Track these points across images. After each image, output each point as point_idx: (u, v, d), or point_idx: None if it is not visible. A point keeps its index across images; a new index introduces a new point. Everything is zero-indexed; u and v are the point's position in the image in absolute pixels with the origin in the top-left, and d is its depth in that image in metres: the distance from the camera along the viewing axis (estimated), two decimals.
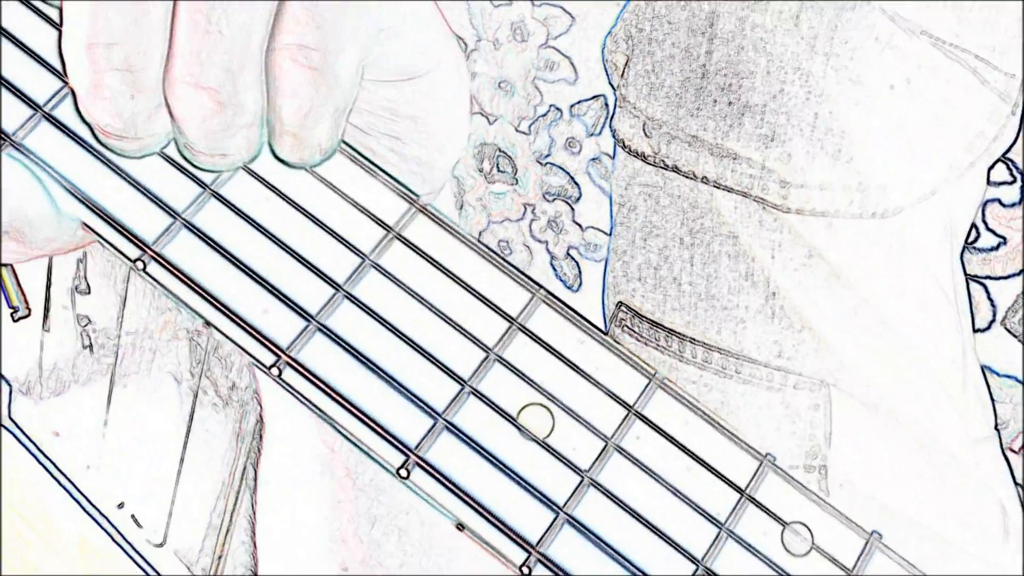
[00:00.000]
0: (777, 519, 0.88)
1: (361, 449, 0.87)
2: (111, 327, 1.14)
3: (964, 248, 1.14)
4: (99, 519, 1.13)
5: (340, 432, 0.87)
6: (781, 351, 1.05)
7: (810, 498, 0.89)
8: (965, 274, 1.14)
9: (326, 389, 0.87)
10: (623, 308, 1.08)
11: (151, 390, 1.12)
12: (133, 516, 1.13)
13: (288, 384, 0.87)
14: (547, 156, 1.15)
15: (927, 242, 1.06)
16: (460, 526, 0.85)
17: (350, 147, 0.89)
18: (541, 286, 0.89)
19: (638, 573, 0.85)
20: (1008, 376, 1.17)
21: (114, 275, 1.15)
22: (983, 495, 1.09)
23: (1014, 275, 1.17)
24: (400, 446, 0.85)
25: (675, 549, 0.86)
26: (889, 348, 1.06)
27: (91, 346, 1.14)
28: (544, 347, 0.88)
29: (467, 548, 0.93)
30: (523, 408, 0.87)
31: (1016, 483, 1.12)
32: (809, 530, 0.88)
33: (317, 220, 0.89)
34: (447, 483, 0.85)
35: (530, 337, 0.88)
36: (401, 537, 1.07)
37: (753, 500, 0.87)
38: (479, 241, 0.89)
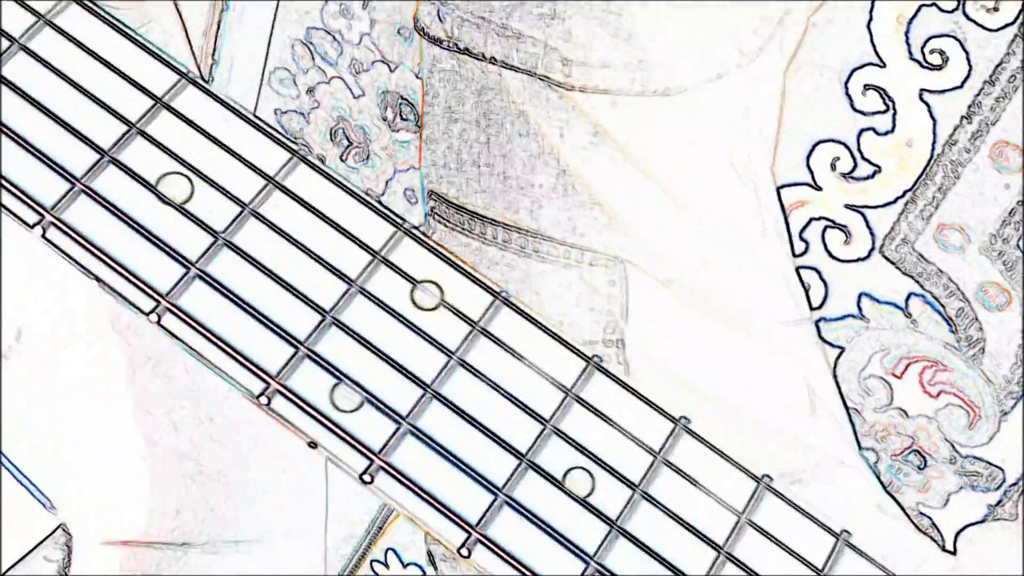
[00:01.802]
0: (408, 278, 0.93)
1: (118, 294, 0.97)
2: None
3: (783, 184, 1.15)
4: None
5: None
6: (575, 228, 1.09)
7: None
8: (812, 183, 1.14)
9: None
10: (433, 196, 1.15)
11: None
12: None
13: None
14: None
15: (720, 125, 1.08)
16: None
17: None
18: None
19: (268, 321, 0.92)
20: (888, 303, 1.15)
21: None
22: (790, 373, 1.08)
23: (890, 203, 1.16)
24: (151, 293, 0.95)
25: (304, 302, 0.93)
26: (681, 225, 1.08)
27: None
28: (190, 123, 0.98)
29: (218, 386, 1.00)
30: None
31: (834, 372, 1.10)
32: (439, 287, 0.93)
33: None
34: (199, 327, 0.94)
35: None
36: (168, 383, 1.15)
37: (387, 262, 0.93)
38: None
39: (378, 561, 1.17)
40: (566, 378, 0.92)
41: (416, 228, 0.95)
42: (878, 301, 1.13)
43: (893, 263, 1.14)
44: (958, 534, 1.08)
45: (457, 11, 1.12)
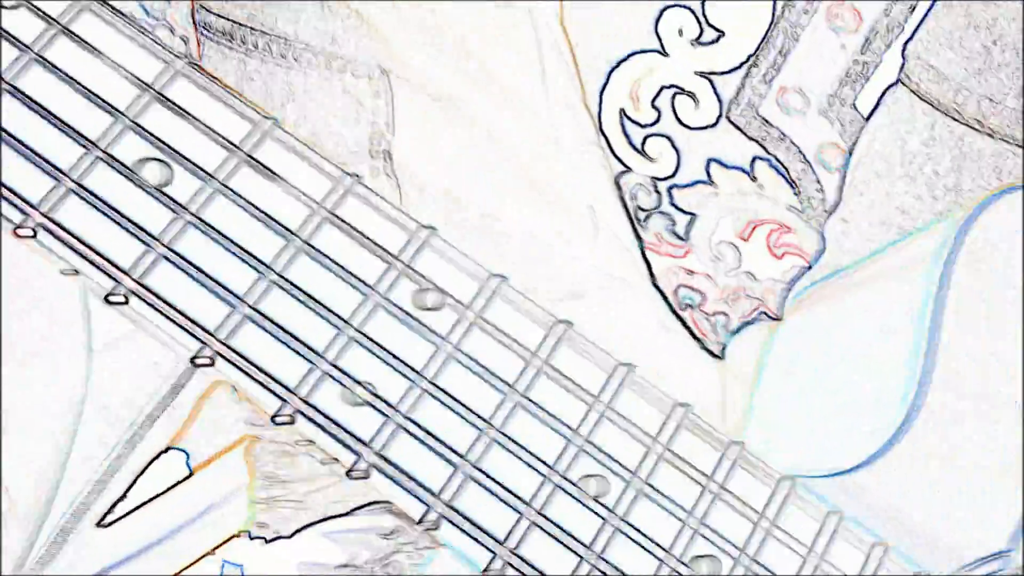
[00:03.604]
0: None
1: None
2: None
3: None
4: None
5: None
6: (334, 37, 1.08)
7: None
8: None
9: None
10: (201, 9, 1.12)
11: None
12: None
13: None
14: None
15: None
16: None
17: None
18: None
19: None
20: (735, 167, 1.17)
21: None
22: (573, 196, 1.10)
23: (735, 69, 1.18)
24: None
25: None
26: (445, 42, 1.08)
27: None
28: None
29: None
30: None
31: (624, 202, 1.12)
32: None
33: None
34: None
35: None
36: None
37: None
38: None
39: None
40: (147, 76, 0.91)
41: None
42: (726, 166, 1.15)
43: (739, 128, 1.16)
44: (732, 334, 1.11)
45: None
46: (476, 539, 0.86)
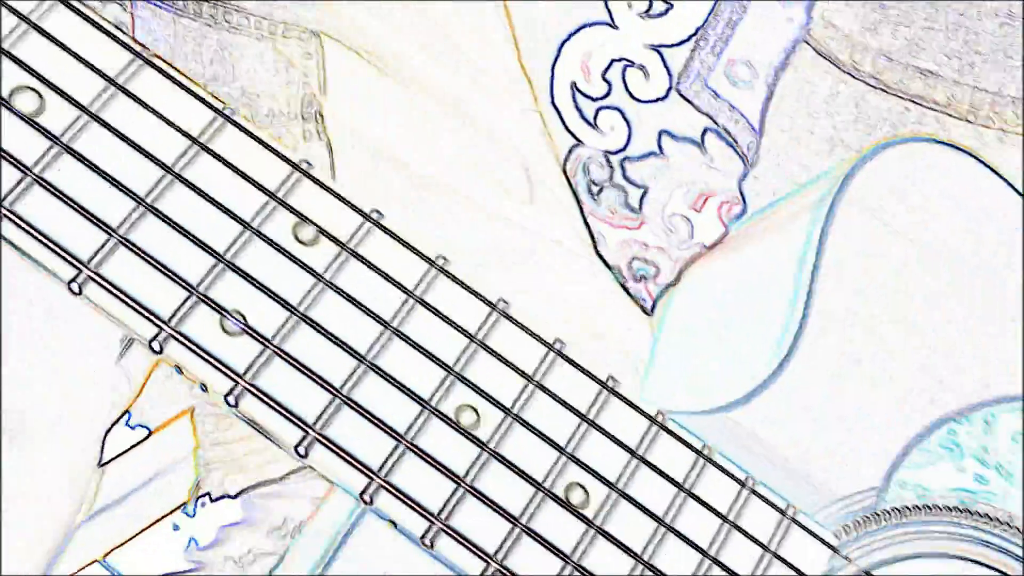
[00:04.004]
0: None
1: None
2: None
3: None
4: None
5: None
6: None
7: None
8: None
9: None
10: None
11: None
12: None
13: None
14: None
15: None
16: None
17: None
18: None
19: None
20: (686, 139, 1.18)
21: None
22: (508, 158, 1.11)
23: (684, 41, 1.19)
24: None
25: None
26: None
27: None
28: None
29: None
30: None
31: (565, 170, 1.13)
32: None
33: None
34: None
35: None
36: None
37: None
38: None
39: None
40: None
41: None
42: (677, 138, 1.16)
43: (689, 100, 1.17)
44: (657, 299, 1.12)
45: None
46: (352, 464, 0.87)
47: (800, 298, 1.02)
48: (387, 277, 0.90)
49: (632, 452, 0.89)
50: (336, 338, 0.89)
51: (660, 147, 1.16)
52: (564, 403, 0.89)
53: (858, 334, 1.01)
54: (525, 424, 0.88)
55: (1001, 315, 1.03)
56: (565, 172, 1.14)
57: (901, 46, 1.15)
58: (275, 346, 0.87)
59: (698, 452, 0.91)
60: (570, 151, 1.15)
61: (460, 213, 1.11)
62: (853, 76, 1.15)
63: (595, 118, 1.16)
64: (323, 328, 0.89)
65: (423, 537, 0.86)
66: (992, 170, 1.08)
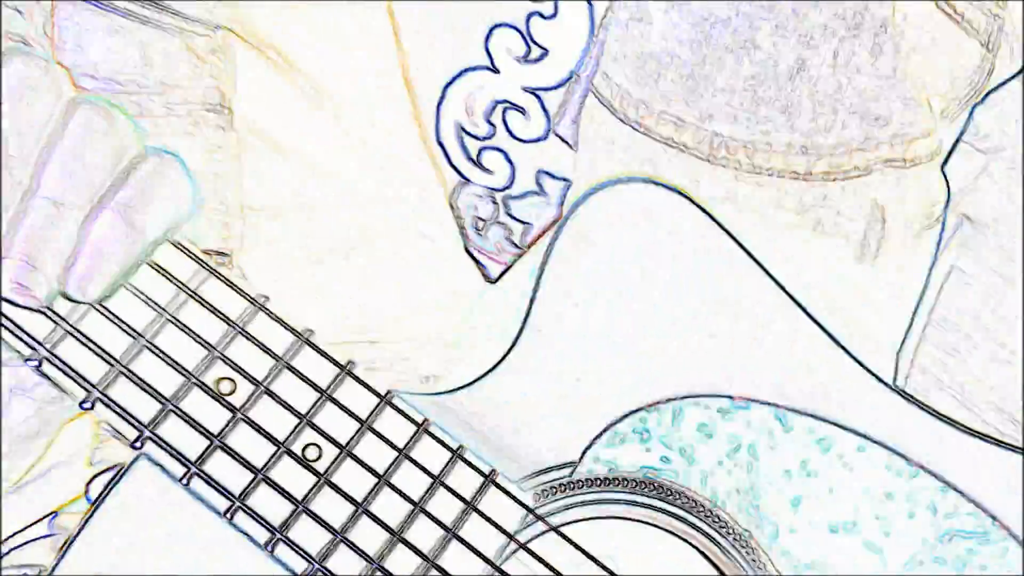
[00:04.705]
0: None
1: None
2: None
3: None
4: None
5: None
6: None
7: None
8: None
9: None
10: None
11: None
12: None
13: None
14: None
15: None
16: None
17: None
18: None
19: None
20: (563, 179, 1.26)
21: None
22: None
23: (560, 85, 1.25)
24: None
25: None
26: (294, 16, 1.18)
27: None
28: None
29: None
30: None
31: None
32: None
33: None
34: None
35: None
36: None
37: None
38: None
39: None
40: None
41: None
42: (555, 177, 1.25)
43: (564, 140, 1.24)
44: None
45: None
46: (74, 380, 1.07)
47: (526, 302, 1.19)
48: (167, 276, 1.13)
49: (361, 421, 1.11)
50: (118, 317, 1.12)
51: (539, 185, 1.25)
52: (306, 379, 1.12)
53: (572, 339, 1.16)
54: (272, 395, 1.11)
55: (695, 329, 1.18)
56: (452, 207, 1.24)
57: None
58: (69, 324, 1.11)
59: (417, 424, 1.13)
60: (455, 189, 1.24)
61: (349, 204, 1.23)
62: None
63: (479, 157, 1.24)
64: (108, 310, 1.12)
65: (181, 479, 1.11)
66: (699, 207, 1.19)
